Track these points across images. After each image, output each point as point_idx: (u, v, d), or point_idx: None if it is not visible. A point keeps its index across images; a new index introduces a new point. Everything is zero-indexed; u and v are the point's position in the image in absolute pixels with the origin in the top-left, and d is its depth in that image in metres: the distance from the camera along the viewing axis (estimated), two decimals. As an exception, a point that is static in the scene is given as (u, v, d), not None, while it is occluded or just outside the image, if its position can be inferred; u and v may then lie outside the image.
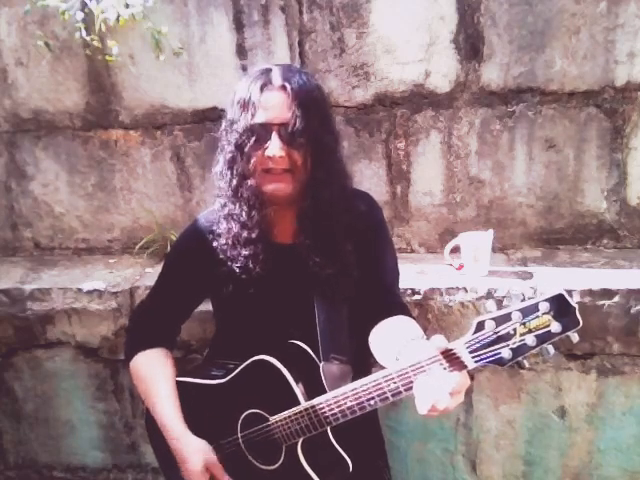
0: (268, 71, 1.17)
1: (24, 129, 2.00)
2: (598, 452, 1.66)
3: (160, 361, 1.30)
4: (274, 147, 1.12)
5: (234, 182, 1.19)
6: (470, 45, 1.76)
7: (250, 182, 1.16)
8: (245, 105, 1.15)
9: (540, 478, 1.71)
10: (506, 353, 0.88)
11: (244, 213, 1.18)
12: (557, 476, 1.70)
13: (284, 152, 1.12)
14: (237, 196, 1.19)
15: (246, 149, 1.15)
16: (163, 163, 1.98)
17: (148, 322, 1.34)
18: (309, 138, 1.14)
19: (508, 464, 1.72)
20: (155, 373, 1.27)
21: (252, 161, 1.15)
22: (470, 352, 0.90)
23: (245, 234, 1.19)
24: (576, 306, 0.86)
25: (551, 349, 0.88)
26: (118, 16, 1.65)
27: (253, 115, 1.13)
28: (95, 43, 1.73)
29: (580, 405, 1.63)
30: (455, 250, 1.70)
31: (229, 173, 1.20)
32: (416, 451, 1.73)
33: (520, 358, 0.89)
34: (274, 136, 1.12)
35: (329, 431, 1.09)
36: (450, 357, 0.92)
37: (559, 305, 0.86)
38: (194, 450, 1.18)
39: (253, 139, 1.14)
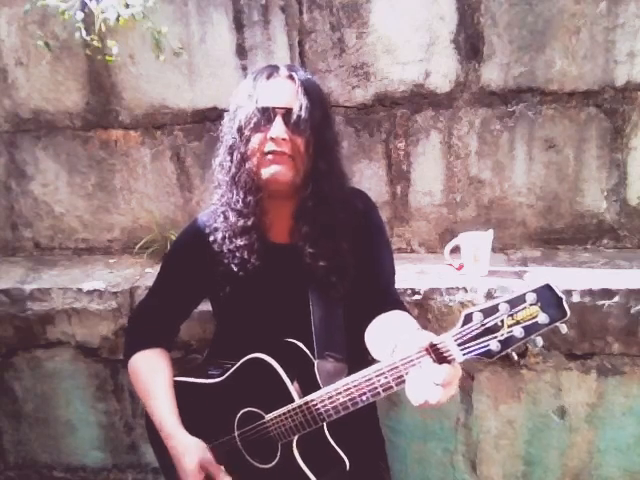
0: (274, 66, 1.22)
1: (24, 129, 2.00)
2: (598, 452, 1.66)
3: (158, 361, 1.29)
4: (278, 129, 1.13)
5: (232, 168, 1.20)
6: (470, 45, 1.76)
7: (248, 165, 1.17)
8: (250, 93, 1.17)
9: (540, 478, 1.71)
10: (494, 345, 0.87)
11: (240, 200, 1.19)
12: (557, 476, 1.70)
13: (287, 136, 1.14)
14: (234, 182, 1.20)
15: (246, 131, 1.16)
16: (163, 163, 1.98)
17: (146, 322, 1.34)
18: (313, 128, 1.15)
19: (508, 464, 1.71)
20: (152, 373, 1.27)
21: (252, 143, 1.16)
22: (458, 345, 0.90)
23: (241, 222, 1.20)
24: (563, 297, 0.86)
25: (539, 341, 0.88)
26: (118, 16, 1.65)
27: (257, 100, 1.15)
28: (95, 43, 1.73)
29: (580, 405, 1.63)
30: (455, 250, 1.70)
31: (228, 159, 1.21)
32: (416, 451, 1.73)
33: (509, 350, 0.88)
34: (278, 119, 1.14)
35: (325, 429, 1.09)
36: (439, 350, 0.91)
37: (546, 296, 0.86)
38: (189, 449, 1.18)
39: (255, 122, 1.15)
